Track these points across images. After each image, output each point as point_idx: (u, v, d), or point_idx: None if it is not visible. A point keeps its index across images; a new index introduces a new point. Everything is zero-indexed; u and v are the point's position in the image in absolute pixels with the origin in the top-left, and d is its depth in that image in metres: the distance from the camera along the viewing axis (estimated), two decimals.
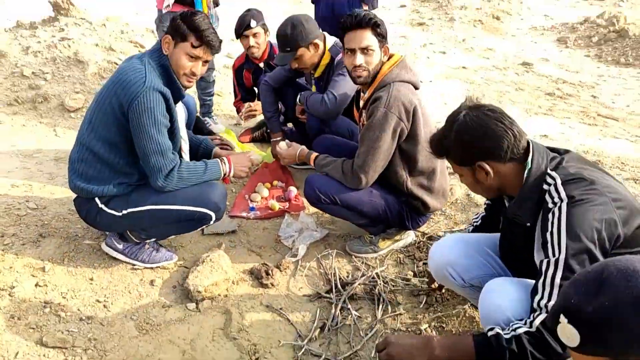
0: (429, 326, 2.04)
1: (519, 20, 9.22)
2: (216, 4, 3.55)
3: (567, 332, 0.87)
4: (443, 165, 2.51)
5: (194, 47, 2.06)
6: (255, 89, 3.81)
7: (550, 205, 1.39)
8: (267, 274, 2.31)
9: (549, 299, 1.31)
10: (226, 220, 2.74)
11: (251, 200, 2.98)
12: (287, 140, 2.69)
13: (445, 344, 1.41)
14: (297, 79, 3.30)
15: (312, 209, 2.87)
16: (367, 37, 2.19)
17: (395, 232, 2.56)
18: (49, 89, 4.02)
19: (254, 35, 3.37)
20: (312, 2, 4.00)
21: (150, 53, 2.14)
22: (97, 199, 2.16)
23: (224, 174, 2.31)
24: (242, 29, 3.35)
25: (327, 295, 2.23)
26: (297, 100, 3.06)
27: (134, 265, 2.37)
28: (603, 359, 0.85)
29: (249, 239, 2.66)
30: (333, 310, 2.11)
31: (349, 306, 2.15)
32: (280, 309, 2.15)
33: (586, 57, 7.00)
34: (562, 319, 0.88)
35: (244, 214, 2.85)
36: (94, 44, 4.46)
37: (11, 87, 4.02)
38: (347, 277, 2.36)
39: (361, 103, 2.43)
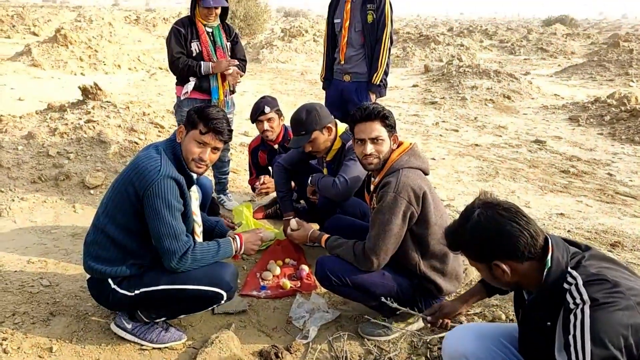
0: None
1: (530, 100, 9.48)
2: (232, 92, 3.77)
3: None
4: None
5: (202, 133, 2.18)
6: (270, 169, 3.92)
7: (572, 306, 1.34)
8: (277, 356, 2.24)
9: None
10: (237, 299, 2.71)
11: (262, 279, 2.96)
12: (297, 219, 2.74)
13: None
14: (309, 160, 3.40)
15: (324, 290, 2.83)
16: (377, 128, 2.31)
17: (408, 315, 2.48)
18: (72, 167, 4.19)
19: (268, 120, 3.57)
20: (323, 88, 4.21)
21: (166, 142, 2.27)
22: (110, 280, 2.20)
23: (235, 251, 2.35)
24: (257, 114, 3.57)
25: None
26: (309, 181, 3.15)
27: (142, 345, 2.32)
28: None
29: (260, 318, 2.61)
30: None
31: None
32: None
33: (599, 135, 7.08)
34: None
35: (255, 293, 2.82)
36: (117, 125, 4.70)
37: (36, 166, 4.20)
38: (360, 357, 2.26)
39: (372, 187, 2.48)
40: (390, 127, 2.34)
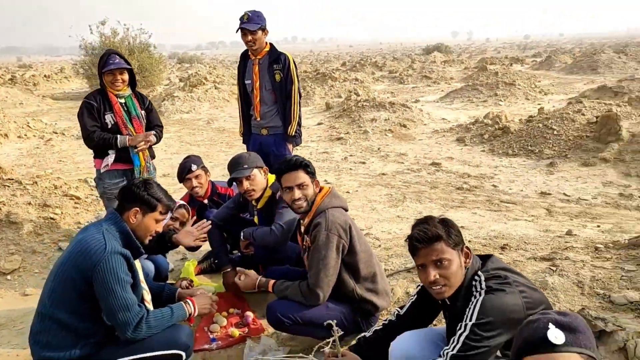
0: None
1: (423, 126, 10.53)
2: (152, 157, 3.94)
3: (555, 334, 1.26)
4: (381, 269, 2.95)
5: (162, 214, 2.46)
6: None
7: (475, 294, 1.86)
8: None
9: (453, 350, 1.73)
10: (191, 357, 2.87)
11: (211, 332, 3.12)
12: (240, 269, 3.01)
13: None
14: (240, 215, 3.67)
15: (271, 330, 3.09)
16: (301, 176, 2.70)
17: (352, 338, 2.84)
18: None
19: (196, 177, 3.81)
20: (243, 142, 4.54)
21: (107, 221, 2.41)
22: None
23: (189, 314, 2.53)
24: (184, 173, 3.79)
25: None
26: (241, 237, 3.38)
27: None
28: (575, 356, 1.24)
29: None
30: None
31: None
32: None
33: (482, 152, 8.12)
34: (551, 326, 1.28)
35: (207, 346, 2.98)
36: (27, 203, 4.56)
37: None
38: None
39: (302, 229, 2.85)
40: (312, 174, 2.75)
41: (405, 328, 2.21)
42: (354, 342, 2.35)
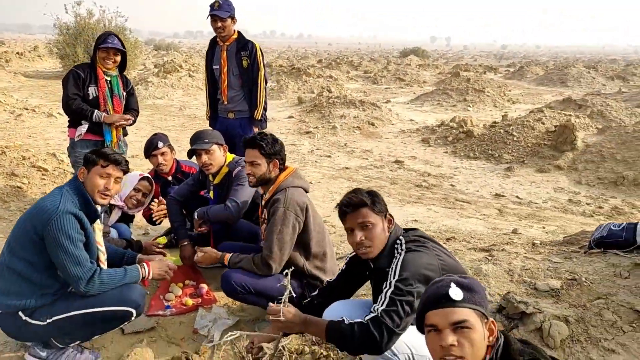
0: None
1: (390, 125, 10.79)
2: (125, 134, 4.05)
3: (455, 291, 1.46)
4: (332, 251, 3.14)
5: (103, 167, 2.51)
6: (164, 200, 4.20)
7: (397, 254, 2.07)
8: (188, 359, 2.59)
9: (381, 306, 1.92)
10: (144, 319, 2.98)
11: (166, 300, 3.25)
12: (198, 247, 3.19)
13: (313, 320, 2.08)
14: (199, 193, 3.78)
15: (223, 302, 3.23)
16: (254, 154, 2.91)
17: None
18: None
19: (162, 154, 3.91)
20: (210, 125, 4.65)
21: (69, 183, 2.54)
22: (20, 313, 2.34)
23: (143, 277, 2.65)
24: (150, 149, 3.88)
25: None
26: (195, 216, 3.48)
27: None
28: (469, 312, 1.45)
29: (168, 332, 2.92)
30: None
31: None
32: None
33: (445, 153, 8.42)
34: (452, 285, 1.49)
35: (161, 312, 3.10)
36: None
37: None
38: (259, 352, 2.71)
39: (263, 202, 3.02)
40: (267, 155, 2.91)
41: (337, 294, 2.40)
42: None
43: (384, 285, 1.99)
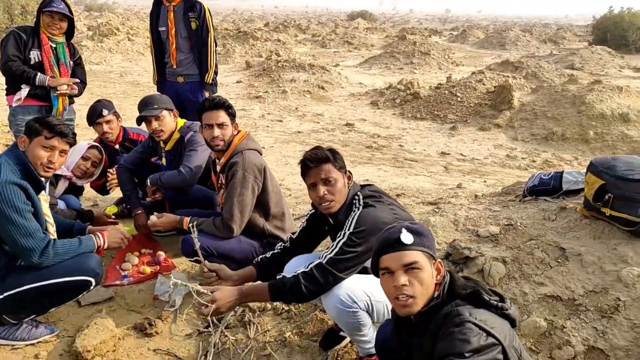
0: (292, 333, 2.59)
1: (340, 89, 10.87)
2: (72, 102, 3.87)
3: (406, 236, 1.58)
4: (289, 212, 3.25)
5: (47, 138, 2.36)
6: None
7: (354, 209, 2.18)
8: (150, 324, 2.65)
9: (330, 253, 2.06)
10: (101, 290, 2.98)
11: (122, 270, 3.24)
12: (155, 213, 3.13)
13: (251, 289, 2.14)
14: (150, 160, 3.74)
15: (182, 267, 3.28)
16: (222, 116, 2.87)
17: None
18: None
19: (107, 122, 3.78)
20: (158, 89, 4.53)
21: (7, 152, 2.40)
22: None
23: (99, 247, 2.62)
24: (94, 117, 3.75)
25: (207, 330, 2.65)
26: (148, 183, 3.45)
27: (13, 346, 2.48)
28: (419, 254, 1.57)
29: (127, 301, 2.95)
30: (213, 340, 2.54)
31: (227, 334, 2.60)
32: (167, 349, 2.51)
33: (393, 115, 8.64)
34: (404, 230, 1.61)
35: (118, 282, 3.10)
36: None
37: None
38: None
39: (218, 168, 3.03)
40: (232, 116, 2.93)
41: (298, 250, 2.51)
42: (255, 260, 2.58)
43: (338, 235, 2.11)
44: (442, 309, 1.55)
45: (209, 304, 2.05)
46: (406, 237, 1.59)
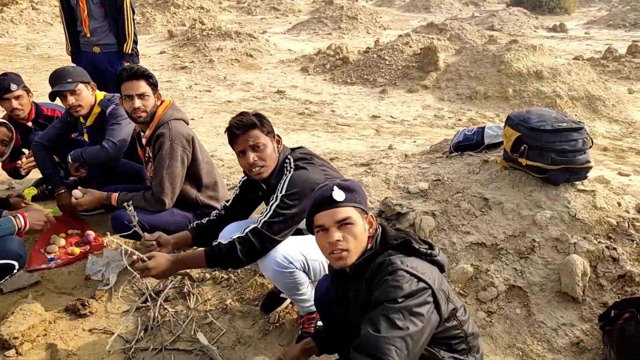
0: (232, 300, 2.60)
1: (269, 56, 10.66)
2: None
3: (338, 193, 1.62)
4: (222, 181, 3.20)
5: None
6: (25, 150, 3.81)
7: (286, 172, 2.18)
8: (84, 305, 2.55)
9: (265, 217, 2.07)
10: (25, 275, 2.81)
11: (48, 253, 3.06)
12: (79, 187, 2.94)
13: (187, 256, 2.13)
14: (70, 136, 3.51)
15: (114, 245, 3.16)
16: (142, 86, 2.73)
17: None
18: None
19: (17, 97, 3.47)
20: (73, 61, 4.22)
21: None
22: None
23: (19, 229, 2.46)
24: (2, 92, 3.42)
25: (145, 305, 2.59)
26: (69, 159, 3.24)
27: None
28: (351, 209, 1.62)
29: (56, 284, 2.81)
30: (152, 313, 2.50)
31: (166, 307, 2.56)
32: (104, 328, 2.44)
33: (324, 81, 8.63)
34: (335, 188, 1.64)
35: (44, 266, 2.94)
36: None
37: None
38: (159, 286, 2.75)
39: (144, 141, 2.90)
40: (154, 86, 2.79)
41: (233, 217, 2.48)
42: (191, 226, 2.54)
43: (272, 199, 2.12)
44: (375, 259, 1.62)
45: (145, 259, 2.05)
46: (338, 195, 1.63)
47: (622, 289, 2.39)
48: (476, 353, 1.69)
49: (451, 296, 1.64)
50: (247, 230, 2.07)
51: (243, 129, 2.14)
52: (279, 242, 2.09)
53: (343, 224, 1.61)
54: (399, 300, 1.45)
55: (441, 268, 1.68)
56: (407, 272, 1.51)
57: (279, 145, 2.27)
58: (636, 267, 2.43)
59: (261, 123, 2.18)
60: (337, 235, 1.60)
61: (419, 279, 1.51)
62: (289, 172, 2.16)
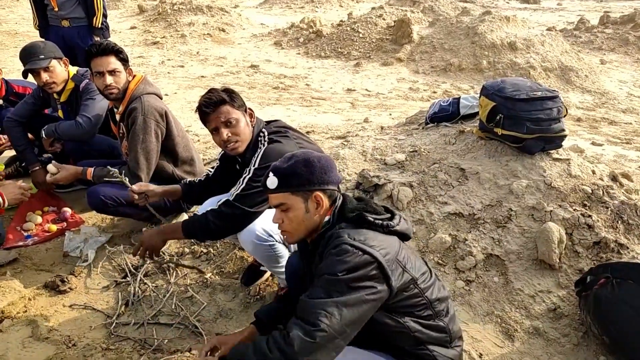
0: (212, 273, 2.62)
1: (242, 30, 10.45)
2: None
3: (271, 180, 1.61)
4: (198, 155, 3.16)
5: None
6: None
7: (260, 145, 2.16)
8: (63, 281, 2.53)
9: (237, 190, 2.07)
10: (2, 253, 2.77)
11: (24, 230, 3.02)
12: (54, 162, 2.86)
13: (169, 226, 2.15)
14: (43, 112, 3.40)
15: (91, 222, 3.12)
16: (113, 62, 2.65)
17: (174, 217, 3.04)
18: None
19: None
20: (41, 36, 4.05)
21: None
22: None
23: None
24: None
25: (124, 280, 2.59)
26: (43, 135, 3.16)
27: None
28: (285, 195, 1.62)
29: (34, 261, 2.77)
30: (132, 288, 2.49)
31: (146, 282, 2.56)
32: (84, 303, 2.42)
33: (298, 54, 8.54)
34: (270, 174, 1.63)
35: (21, 243, 2.90)
36: None
37: None
38: (138, 261, 2.74)
39: (117, 117, 2.84)
40: (125, 61, 2.71)
41: (215, 188, 2.47)
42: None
43: (244, 172, 2.11)
44: (328, 232, 1.63)
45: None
46: (270, 182, 1.64)
47: (597, 255, 2.45)
48: (444, 316, 1.68)
49: (410, 266, 1.60)
50: (219, 202, 2.07)
51: (213, 106, 2.11)
52: (253, 214, 2.08)
53: (279, 208, 1.65)
54: (339, 274, 1.45)
55: (403, 237, 1.67)
56: (352, 245, 1.49)
57: (252, 119, 2.24)
58: (611, 233, 2.49)
59: (231, 98, 2.14)
60: (278, 216, 1.66)
61: (364, 252, 1.48)
62: (263, 146, 2.14)
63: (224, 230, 2.09)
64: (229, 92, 2.17)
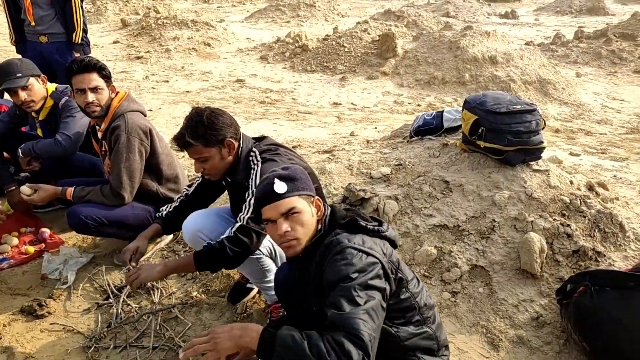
0: (198, 292, 2.57)
1: (227, 45, 10.46)
2: None
3: (279, 185, 1.61)
4: (183, 172, 3.11)
5: None
6: None
7: (253, 165, 2.12)
8: (41, 305, 2.45)
9: (246, 214, 2.02)
10: None
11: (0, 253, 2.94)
12: (28, 184, 2.79)
13: (174, 262, 2.06)
14: (19, 130, 3.34)
15: (71, 242, 3.05)
16: (95, 79, 2.60)
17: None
18: None
19: None
20: (18, 52, 4.00)
21: None
22: None
23: None
24: None
25: (107, 302, 2.52)
26: (20, 153, 3.08)
27: None
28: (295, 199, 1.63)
29: (10, 285, 2.69)
30: (114, 310, 2.43)
31: (129, 303, 2.50)
32: (64, 326, 2.35)
33: (284, 69, 8.55)
34: (276, 180, 1.63)
35: None
36: None
37: None
38: (121, 282, 2.68)
39: (99, 135, 2.78)
40: (107, 78, 2.67)
41: (196, 203, 2.42)
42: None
43: (247, 195, 2.07)
44: (324, 240, 1.64)
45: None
46: (279, 187, 1.63)
47: (577, 263, 2.50)
48: (431, 324, 1.73)
49: (401, 267, 1.69)
50: (233, 229, 2.00)
51: (182, 147, 2.08)
52: (265, 235, 2.04)
53: (289, 214, 1.63)
54: (352, 276, 1.47)
55: (392, 243, 1.73)
56: (355, 248, 1.55)
57: (232, 147, 2.12)
58: (589, 242, 2.55)
59: (205, 137, 2.03)
60: (284, 226, 1.62)
61: (367, 254, 1.54)
62: (257, 166, 2.10)
63: (242, 256, 2.02)
64: (204, 126, 2.03)
